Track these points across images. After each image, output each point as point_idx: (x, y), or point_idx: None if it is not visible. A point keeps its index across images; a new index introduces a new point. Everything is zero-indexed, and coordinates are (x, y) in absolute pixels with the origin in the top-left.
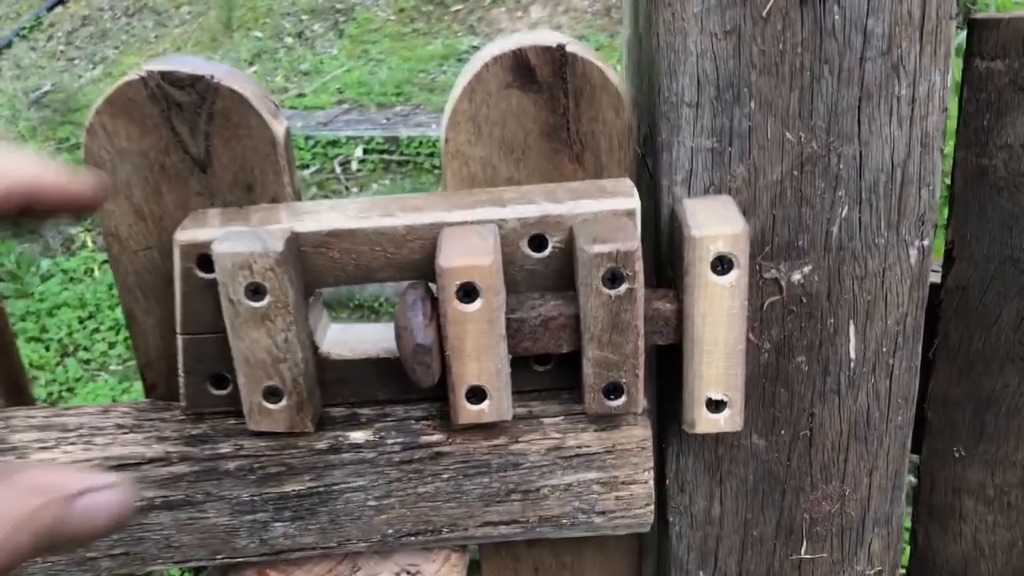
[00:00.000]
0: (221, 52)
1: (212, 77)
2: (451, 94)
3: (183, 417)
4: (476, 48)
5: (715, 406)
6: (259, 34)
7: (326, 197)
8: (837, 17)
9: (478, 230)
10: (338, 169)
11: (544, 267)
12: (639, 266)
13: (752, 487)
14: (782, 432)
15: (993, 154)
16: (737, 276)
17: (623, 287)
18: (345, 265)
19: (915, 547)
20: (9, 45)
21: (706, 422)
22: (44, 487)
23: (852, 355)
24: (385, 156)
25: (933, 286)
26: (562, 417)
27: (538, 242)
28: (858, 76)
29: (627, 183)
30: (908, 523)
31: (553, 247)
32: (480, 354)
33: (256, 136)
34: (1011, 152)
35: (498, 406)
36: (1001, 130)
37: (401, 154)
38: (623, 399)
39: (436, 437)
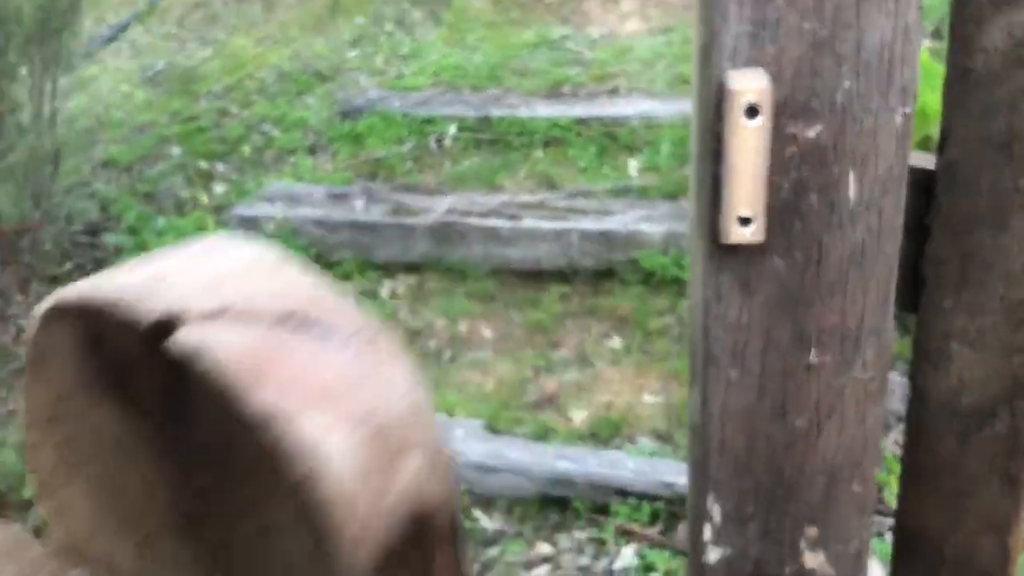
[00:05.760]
0: (324, 35)
1: None
2: None
3: None
4: (566, 37)
5: (743, 222)
6: (361, 20)
7: (422, 171)
8: None
9: None
10: (433, 145)
11: None
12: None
13: (774, 300)
14: (797, 255)
15: (975, 56)
16: (762, 121)
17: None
18: None
19: (914, 386)
20: (126, 28)
21: (736, 234)
22: None
23: (852, 196)
24: (477, 135)
25: (929, 171)
26: None
27: None
28: None
29: None
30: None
31: None
32: None
33: None
34: (987, 55)
35: None
36: (980, 37)
37: (491, 133)
38: None
39: None
